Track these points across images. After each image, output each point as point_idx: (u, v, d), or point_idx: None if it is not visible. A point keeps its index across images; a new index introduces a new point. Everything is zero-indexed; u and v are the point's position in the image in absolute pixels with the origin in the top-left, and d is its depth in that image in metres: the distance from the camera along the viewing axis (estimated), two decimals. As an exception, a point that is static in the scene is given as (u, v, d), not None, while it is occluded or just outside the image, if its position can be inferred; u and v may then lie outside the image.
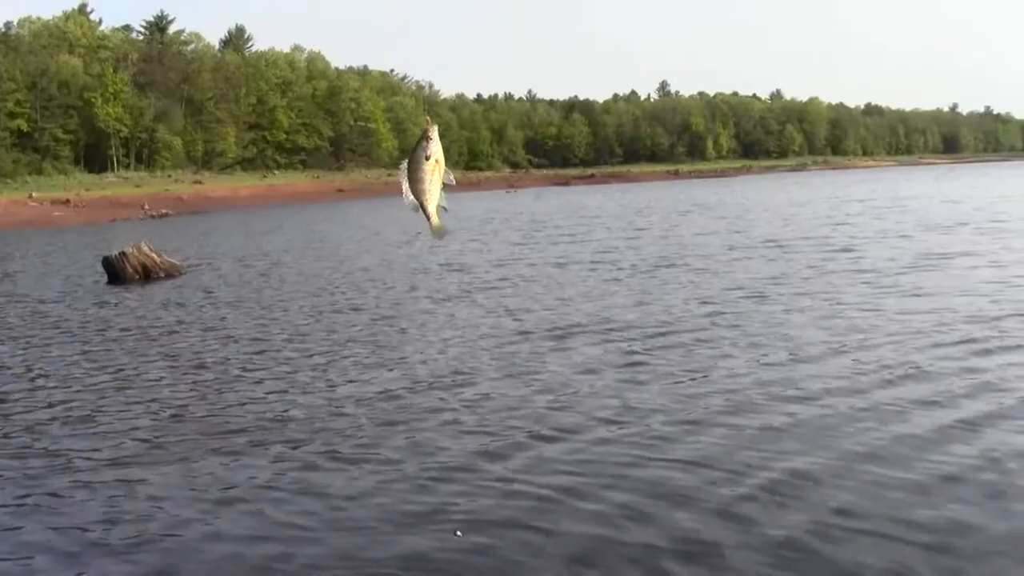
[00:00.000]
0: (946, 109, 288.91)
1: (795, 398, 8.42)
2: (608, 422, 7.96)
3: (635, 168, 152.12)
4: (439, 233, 3.87)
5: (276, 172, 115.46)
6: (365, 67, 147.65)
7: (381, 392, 9.46)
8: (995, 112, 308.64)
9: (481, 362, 10.64)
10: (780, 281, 16.27)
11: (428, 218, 3.79)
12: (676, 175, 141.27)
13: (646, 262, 20.54)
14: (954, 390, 8.45)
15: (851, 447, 7.05)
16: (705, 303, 14.24)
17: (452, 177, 3.83)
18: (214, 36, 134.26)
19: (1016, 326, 11.32)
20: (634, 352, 10.75)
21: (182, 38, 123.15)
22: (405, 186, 3.77)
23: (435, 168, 3.70)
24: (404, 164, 3.77)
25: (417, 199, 3.76)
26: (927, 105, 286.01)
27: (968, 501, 5.91)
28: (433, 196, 3.75)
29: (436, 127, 3.73)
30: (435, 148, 3.70)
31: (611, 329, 12.24)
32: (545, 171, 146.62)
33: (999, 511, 5.75)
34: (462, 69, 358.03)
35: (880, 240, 23.41)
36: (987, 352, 10.02)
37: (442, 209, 3.81)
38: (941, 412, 7.84)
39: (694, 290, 15.72)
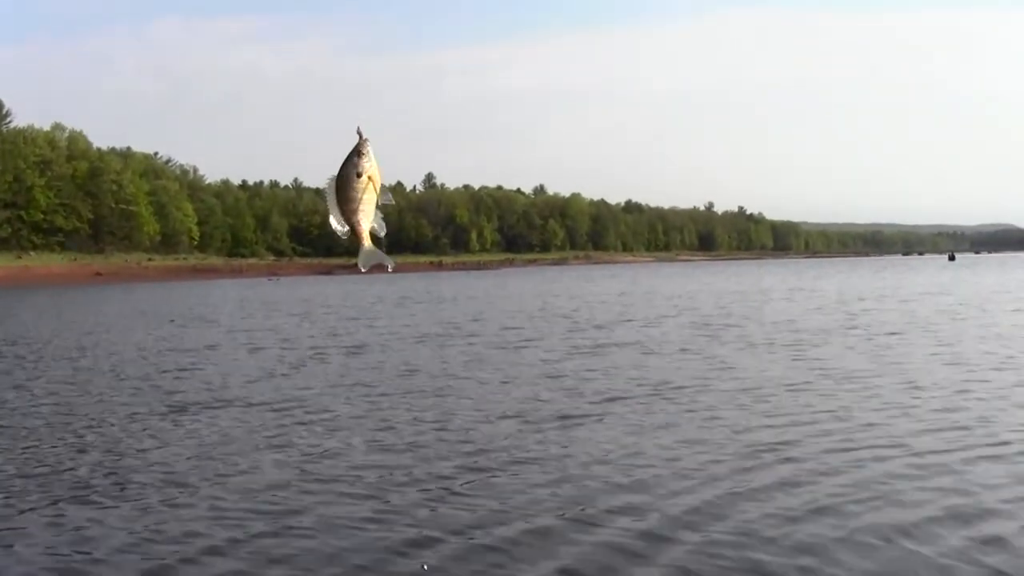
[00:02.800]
0: (702, 208, 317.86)
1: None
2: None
3: (399, 259, 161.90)
4: (369, 258, 3.44)
5: (32, 253, 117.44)
6: (128, 149, 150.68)
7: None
8: (748, 212, 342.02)
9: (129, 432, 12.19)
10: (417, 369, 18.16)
11: (359, 239, 3.36)
12: (440, 267, 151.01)
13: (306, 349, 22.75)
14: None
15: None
16: (339, 386, 16.09)
17: (390, 196, 3.37)
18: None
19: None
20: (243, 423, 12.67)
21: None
22: (332, 206, 3.33)
23: (368, 186, 3.29)
24: (331, 182, 3.32)
25: (347, 219, 3.34)
26: (684, 204, 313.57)
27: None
28: (367, 216, 3.34)
29: (369, 142, 3.25)
30: (368, 164, 3.28)
31: (242, 403, 14.29)
32: (309, 260, 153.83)
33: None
34: (227, 155, 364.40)
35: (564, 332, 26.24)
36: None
37: (377, 235, 3.39)
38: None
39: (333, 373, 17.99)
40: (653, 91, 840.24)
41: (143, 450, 11.07)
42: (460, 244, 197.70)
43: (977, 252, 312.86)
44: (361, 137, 3.31)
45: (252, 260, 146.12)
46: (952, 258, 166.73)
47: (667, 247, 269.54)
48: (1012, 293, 42.87)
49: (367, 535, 7.53)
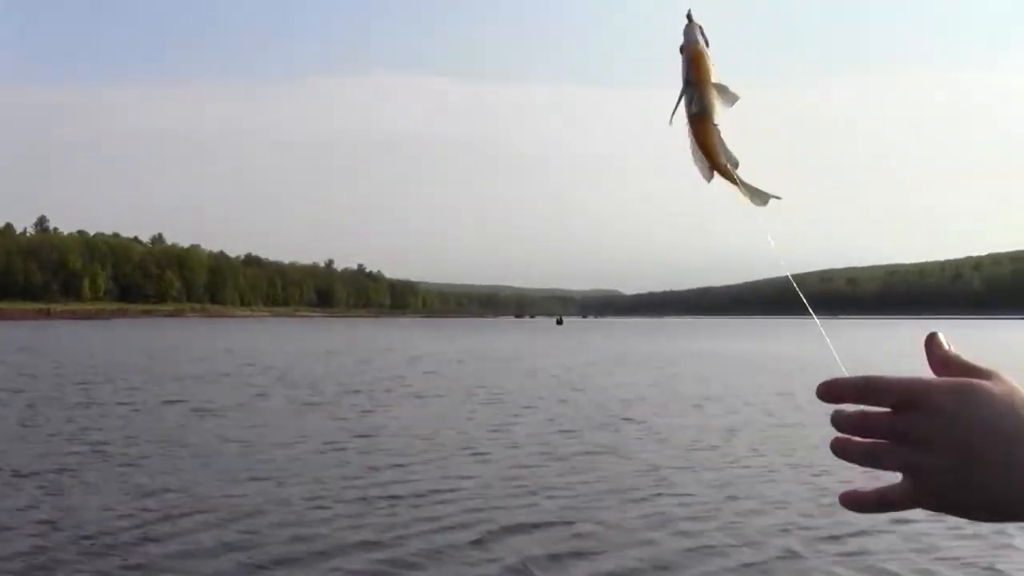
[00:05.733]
0: (322, 264, 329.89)
1: None
2: None
3: (4, 304, 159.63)
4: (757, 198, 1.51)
5: None
6: None
7: None
8: (367, 270, 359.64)
9: None
10: None
11: (736, 183, 1.43)
12: (48, 314, 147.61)
13: None
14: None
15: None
16: None
17: (730, 92, 1.24)
18: None
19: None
20: None
21: None
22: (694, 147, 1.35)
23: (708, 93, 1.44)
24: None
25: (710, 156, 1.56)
26: (305, 259, 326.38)
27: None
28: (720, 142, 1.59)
29: (699, 28, 1.22)
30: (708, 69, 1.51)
31: None
32: None
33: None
34: None
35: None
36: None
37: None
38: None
39: None
40: (280, 143, 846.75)
41: None
42: (71, 291, 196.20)
43: (584, 316, 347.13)
44: (690, 20, 1.55)
45: None
46: (560, 322, 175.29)
47: (286, 302, 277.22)
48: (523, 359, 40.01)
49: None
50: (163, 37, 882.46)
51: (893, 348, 53.73)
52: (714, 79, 1.26)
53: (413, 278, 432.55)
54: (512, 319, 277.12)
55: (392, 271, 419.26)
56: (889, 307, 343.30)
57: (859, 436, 0.91)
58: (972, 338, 71.80)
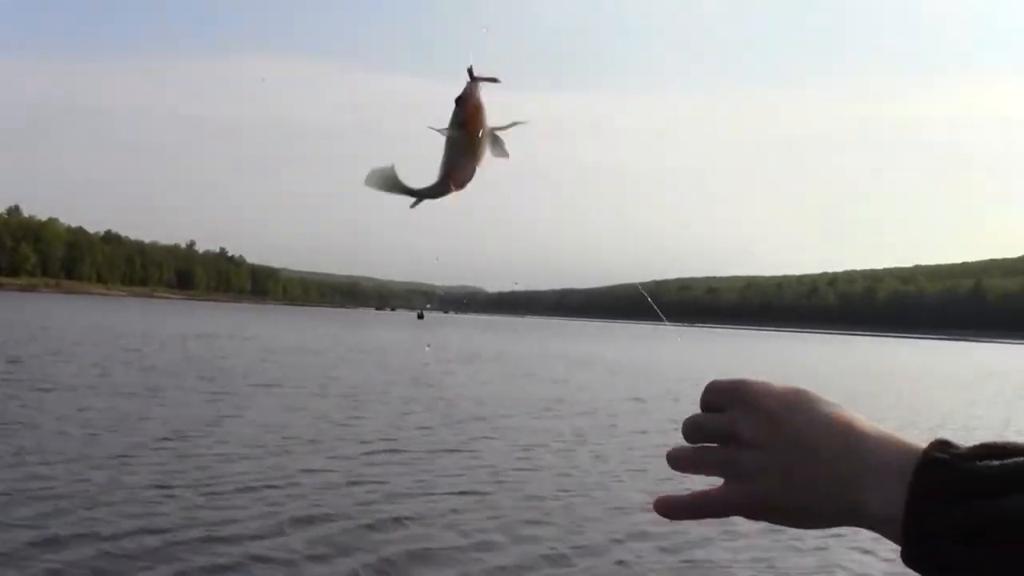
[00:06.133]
0: (184, 245, 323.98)
1: None
2: None
3: None
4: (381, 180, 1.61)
5: None
6: None
7: None
8: (230, 254, 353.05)
9: None
10: None
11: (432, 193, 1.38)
12: None
13: None
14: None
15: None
16: None
17: (503, 146, 1.32)
18: None
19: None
20: None
21: None
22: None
23: (467, 140, 1.35)
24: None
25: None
26: (166, 239, 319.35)
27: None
28: (450, 163, 1.40)
29: (477, 84, 1.30)
30: (463, 112, 1.34)
31: None
32: None
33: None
34: None
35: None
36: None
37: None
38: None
39: None
40: (146, 120, 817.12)
41: None
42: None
43: (445, 312, 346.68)
44: (471, 77, 1.46)
45: None
46: (421, 316, 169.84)
47: (144, 282, 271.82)
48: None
49: None
50: (31, 5, 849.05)
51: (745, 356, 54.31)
52: (489, 126, 1.26)
53: (275, 264, 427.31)
54: (373, 311, 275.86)
55: (255, 256, 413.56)
56: (745, 318, 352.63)
57: (694, 441, 0.89)
58: (823, 353, 76.55)
